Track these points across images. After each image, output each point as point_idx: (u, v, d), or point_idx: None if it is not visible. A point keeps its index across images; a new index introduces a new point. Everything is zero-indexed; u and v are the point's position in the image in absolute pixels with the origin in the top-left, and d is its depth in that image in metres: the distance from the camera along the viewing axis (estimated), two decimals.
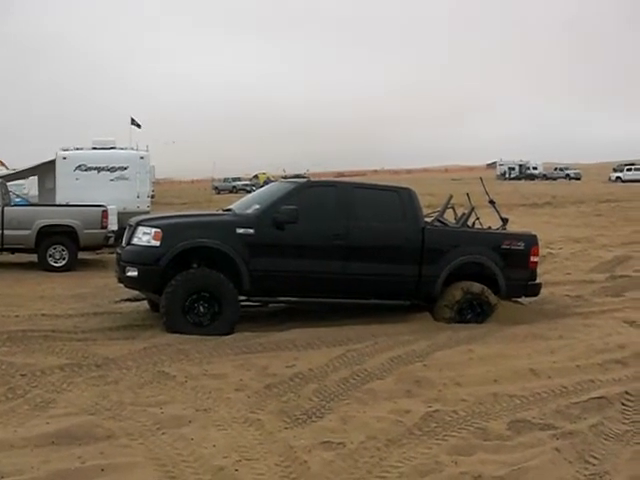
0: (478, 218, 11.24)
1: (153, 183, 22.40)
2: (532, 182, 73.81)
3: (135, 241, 9.11)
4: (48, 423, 5.48)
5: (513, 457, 5.01)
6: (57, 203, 18.94)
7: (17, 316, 9.72)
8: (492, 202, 11.51)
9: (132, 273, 9.01)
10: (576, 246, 18.76)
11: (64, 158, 20.90)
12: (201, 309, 8.84)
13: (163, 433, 5.30)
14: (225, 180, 73.86)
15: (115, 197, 18.53)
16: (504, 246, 10.24)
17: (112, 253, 18.18)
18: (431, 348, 7.92)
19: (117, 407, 5.86)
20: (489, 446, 5.23)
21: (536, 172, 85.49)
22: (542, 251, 16.75)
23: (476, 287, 9.80)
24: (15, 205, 17.93)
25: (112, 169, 20.73)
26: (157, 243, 8.92)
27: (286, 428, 5.50)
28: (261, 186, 62.36)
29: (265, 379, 6.65)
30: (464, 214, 11.20)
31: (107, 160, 20.80)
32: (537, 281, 10.58)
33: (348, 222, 9.59)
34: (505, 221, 11.23)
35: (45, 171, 22.82)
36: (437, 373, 6.97)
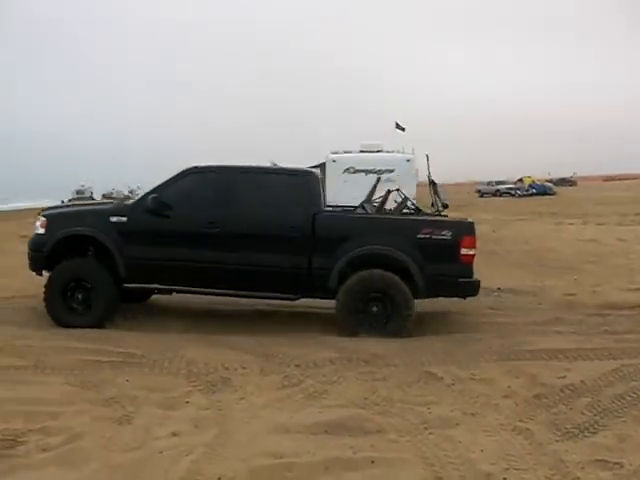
0: (414, 205, 10.33)
1: (416, 186, 22.64)
2: None
3: (34, 229, 9.78)
4: (321, 412, 5.75)
5: None
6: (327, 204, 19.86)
7: None
8: (433, 183, 10.19)
9: (29, 259, 9.68)
10: None
11: (334, 161, 21.85)
12: (79, 297, 9.17)
13: (430, 433, 5.33)
14: (489, 183, 73.05)
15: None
16: (421, 235, 8.82)
17: None
18: None
19: (386, 403, 6.00)
20: None
21: None
22: None
23: (377, 275, 8.73)
24: None
25: (379, 172, 21.25)
26: (43, 231, 9.52)
27: (557, 441, 5.27)
28: (526, 190, 60.47)
29: (534, 388, 6.42)
30: (403, 200, 10.31)
31: (374, 163, 21.38)
32: (473, 278, 8.94)
33: (225, 209, 9.10)
34: (445, 206, 9.88)
35: None
36: None
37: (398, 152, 22.62)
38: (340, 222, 9.35)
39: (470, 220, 9.30)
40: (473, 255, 8.86)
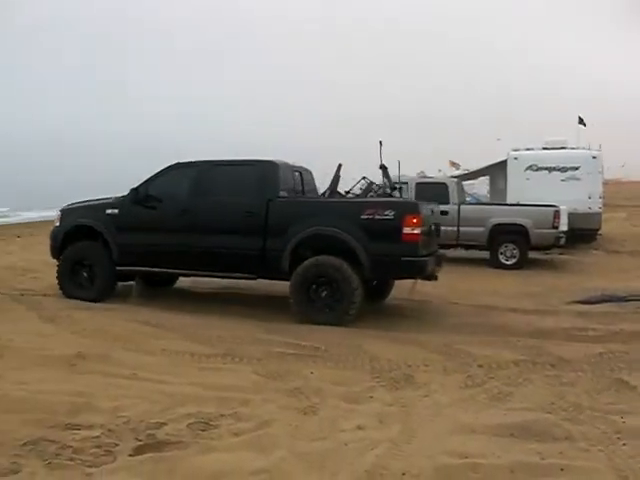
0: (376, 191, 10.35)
1: (603, 184, 21.66)
2: None
3: (54, 223, 11.18)
4: (505, 415, 5.61)
5: None
6: (508, 202, 19.43)
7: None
8: (383, 167, 9.43)
9: (50, 249, 11.07)
10: None
11: (515, 159, 21.39)
12: (84, 274, 10.56)
13: (624, 444, 5.04)
14: None
15: (565, 197, 18.31)
16: (365, 216, 9.10)
17: (562, 254, 18.17)
18: None
19: (574, 409, 5.76)
20: None
21: None
22: None
23: (323, 261, 9.15)
24: (469, 204, 18.92)
25: (563, 169, 20.58)
26: (58, 224, 11.02)
27: None
28: None
29: None
30: (369, 185, 10.51)
31: (558, 160, 20.72)
32: (418, 257, 8.99)
33: (196, 199, 10.05)
34: (393, 189, 9.88)
35: (496, 171, 23.60)
36: None
37: (583, 148, 21.77)
38: (290, 207, 9.94)
39: (413, 201, 9.72)
40: (417, 234, 8.94)
